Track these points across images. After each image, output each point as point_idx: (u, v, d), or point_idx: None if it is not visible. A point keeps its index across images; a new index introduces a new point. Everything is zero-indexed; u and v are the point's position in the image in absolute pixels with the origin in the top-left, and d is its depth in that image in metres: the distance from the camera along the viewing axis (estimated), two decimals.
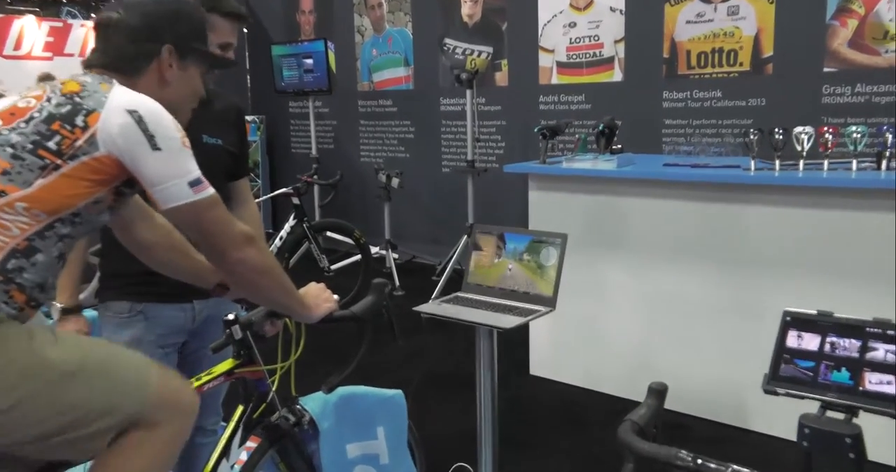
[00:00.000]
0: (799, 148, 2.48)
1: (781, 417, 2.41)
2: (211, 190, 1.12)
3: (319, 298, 1.33)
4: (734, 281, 2.67)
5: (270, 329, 1.41)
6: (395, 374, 3.24)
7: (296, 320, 1.37)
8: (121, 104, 1.09)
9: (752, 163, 2.58)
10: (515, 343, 3.29)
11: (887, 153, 2.34)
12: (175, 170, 1.08)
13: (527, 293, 1.97)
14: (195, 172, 1.10)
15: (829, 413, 0.96)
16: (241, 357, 1.37)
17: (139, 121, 1.07)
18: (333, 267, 4.44)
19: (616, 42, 4.18)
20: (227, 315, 1.35)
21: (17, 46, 5.02)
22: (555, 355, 3.25)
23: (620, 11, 4.17)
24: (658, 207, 2.85)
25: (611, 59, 4.28)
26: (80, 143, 1.06)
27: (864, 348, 0.97)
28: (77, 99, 1.09)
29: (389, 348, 3.27)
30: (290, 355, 1.39)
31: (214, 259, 1.16)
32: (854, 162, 2.41)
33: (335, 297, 1.37)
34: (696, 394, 2.76)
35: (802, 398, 1.00)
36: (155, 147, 1.06)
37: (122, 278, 1.53)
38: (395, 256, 4.86)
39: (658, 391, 1.02)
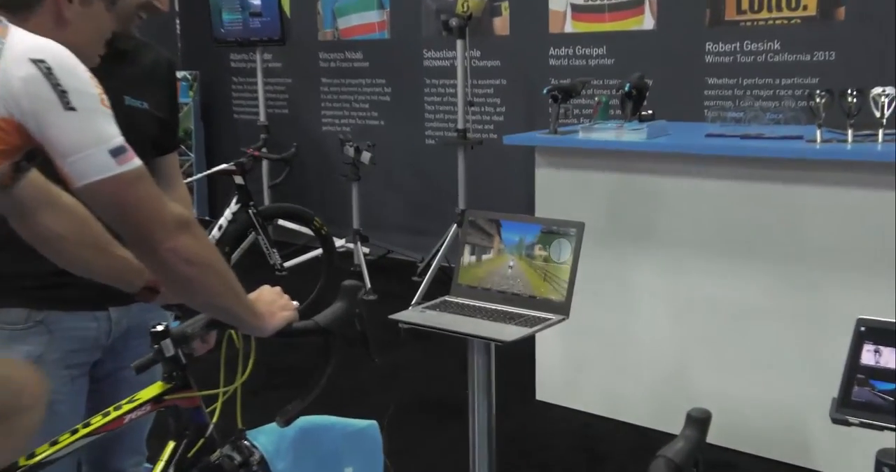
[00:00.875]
0: (878, 114, 2.48)
1: (853, 453, 2.39)
2: (137, 161, 1.10)
3: (274, 304, 1.31)
4: (794, 282, 2.69)
5: (201, 346, 1.41)
6: (368, 400, 3.27)
7: (243, 333, 1.36)
8: (23, 52, 1.05)
9: (819, 133, 2.57)
10: (518, 361, 3.32)
11: None
12: (93, 135, 1.05)
13: (533, 298, 2.02)
14: (118, 137, 1.07)
15: None
16: (173, 380, 1.35)
17: (48, 73, 1.03)
18: (287, 264, 4.43)
19: None
20: (154, 326, 1.32)
21: None
22: (567, 375, 3.28)
23: None
24: (699, 190, 2.87)
25: (640, 2, 4.26)
26: None
27: None
28: None
29: (362, 368, 3.25)
30: (236, 377, 1.38)
31: (139, 250, 1.15)
32: None
33: (294, 303, 1.37)
34: (746, 424, 2.79)
35: (881, 429, 0.99)
36: (68, 106, 1.03)
37: (17, 278, 1.48)
38: (366, 250, 4.88)
39: (699, 421, 1.02)
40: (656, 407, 3.01)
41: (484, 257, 2.09)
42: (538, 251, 2.02)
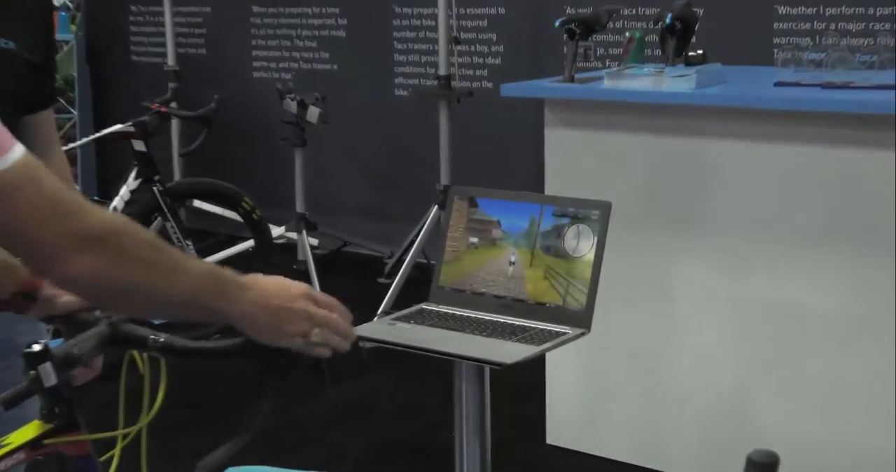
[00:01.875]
0: None
1: None
2: (19, 151, 1.10)
3: (296, 304, 1.31)
4: (893, 285, 2.69)
5: (84, 373, 1.41)
6: (320, 443, 3.27)
7: (153, 353, 1.37)
8: None
9: None
10: (522, 391, 3.32)
11: None
12: None
13: (542, 305, 2.03)
14: None
15: None
16: (55, 419, 1.34)
17: None
18: (207, 260, 4.49)
19: None
20: (28, 345, 1.30)
21: None
22: (588, 410, 3.29)
23: None
24: (764, 158, 2.88)
25: None
26: None
27: None
28: None
29: (313, 402, 3.26)
30: (141, 415, 1.39)
31: (36, 270, 1.17)
32: None
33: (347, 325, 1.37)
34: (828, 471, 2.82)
35: None
36: None
37: None
38: (315, 242, 4.88)
39: (764, 466, 1.02)
40: (706, 451, 3.01)
41: (475, 249, 2.11)
42: (549, 242, 2.03)
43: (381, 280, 4.68)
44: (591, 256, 2.00)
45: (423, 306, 2.10)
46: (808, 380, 2.87)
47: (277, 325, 1.29)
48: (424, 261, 4.45)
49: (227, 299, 1.26)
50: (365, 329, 2.04)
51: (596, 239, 1.99)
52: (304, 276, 4.55)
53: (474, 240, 2.12)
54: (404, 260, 4.53)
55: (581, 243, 2.01)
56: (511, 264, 2.07)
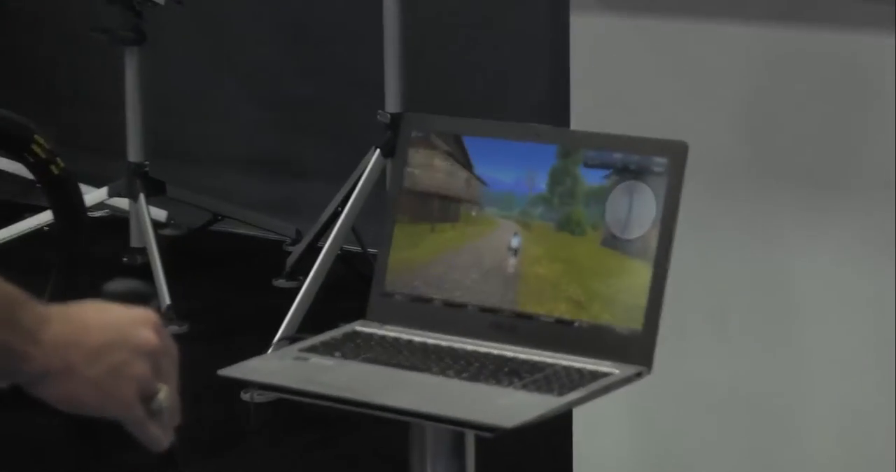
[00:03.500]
0: None
1: None
2: None
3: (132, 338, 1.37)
4: None
5: None
6: None
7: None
8: None
9: None
10: (535, 464, 3.40)
11: None
12: None
13: (565, 323, 2.07)
14: None
15: None
16: None
17: None
18: None
19: None
20: None
21: None
22: None
23: None
24: None
25: None
26: None
27: None
28: None
29: None
30: None
31: None
32: None
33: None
34: None
35: None
36: None
37: None
38: (162, 215, 5.03)
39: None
40: None
41: (447, 227, 2.17)
42: (579, 214, 2.05)
43: (280, 282, 4.76)
44: (652, 237, 2.01)
45: (357, 326, 2.14)
46: None
47: (104, 383, 1.34)
48: (357, 249, 4.53)
49: (18, 334, 1.29)
50: (253, 368, 2.06)
51: (661, 209, 2.00)
52: (142, 271, 4.58)
53: (445, 210, 2.16)
54: (321, 247, 4.61)
55: (634, 216, 2.03)
56: (511, 251, 2.10)
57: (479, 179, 2.14)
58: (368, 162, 4.57)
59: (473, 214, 2.13)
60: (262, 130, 5.44)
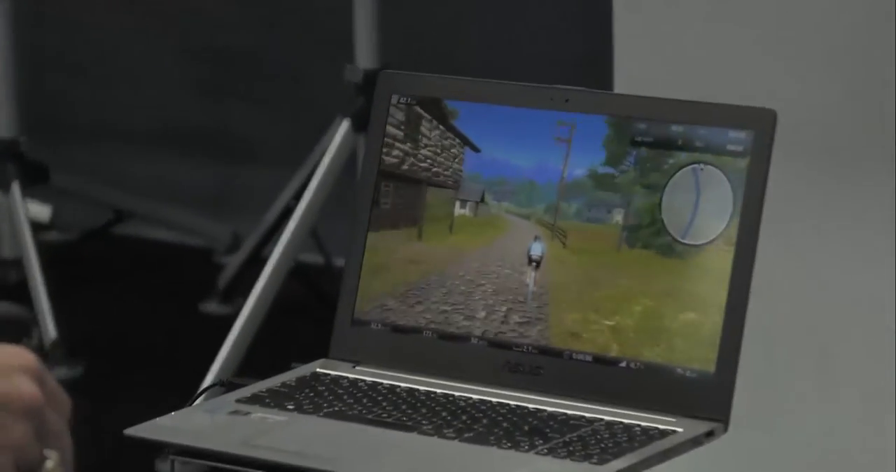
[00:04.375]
0: None
1: None
2: None
3: None
4: None
5: None
6: None
7: None
8: None
9: None
10: None
11: None
12: None
13: (606, 363, 2.04)
14: None
15: None
16: None
17: None
18: None
19: None
20: None
21: None
22: None
23: None
24: None
25: None
26: None
27: None
28: None
29: None
30: None
31: None
32: None
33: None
34: None
35: None
36: None
37: None
38: (43, 213, 5.17)
39: None
40: None
41: (438, 227, 2.17)
42: (622, 211, 2.05)
43: (210, 307, 4.83)
44: (726, 243, 1.99)
45: (318, 368, 2.14)
46: None
47: None
48: (318, 260, 4.62)
49: None
50: (173, 426, 2.02)
51: (741, 203, 1.99)
52: (17, 295, 4.61)
53: (439, 206, 2.17)
54: (266, 256, 4.62)
55: (702, 213, 2.02)
56: (531, 262, 2.08)
57: (485, 162, 2.12)
58: (333, 139, 4.60)
59: (478, 211, 2.12)
60: (186, 96, 5.46)
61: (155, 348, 4.13)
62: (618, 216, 2.04)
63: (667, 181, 2.02)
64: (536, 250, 2.06)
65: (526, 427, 1.95)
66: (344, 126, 4.54)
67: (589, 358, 2.02)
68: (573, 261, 2.06)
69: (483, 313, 2.09)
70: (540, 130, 2.10)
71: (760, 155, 1.98)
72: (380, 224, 2.17)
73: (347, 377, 2.10)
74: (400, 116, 2.15)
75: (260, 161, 5.04)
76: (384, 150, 2.16)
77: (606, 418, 1.96)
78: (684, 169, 2.01)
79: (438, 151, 2.14)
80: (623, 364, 2.00)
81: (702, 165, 2.00)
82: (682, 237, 2.00)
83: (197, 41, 5.50)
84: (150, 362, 4.40)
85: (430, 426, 1.96)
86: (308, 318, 3.20)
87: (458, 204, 2.13)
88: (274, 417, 2.02)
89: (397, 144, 2.16)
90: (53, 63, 5.27)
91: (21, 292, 4.55)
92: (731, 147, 1.99)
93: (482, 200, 2.11)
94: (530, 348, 2.04)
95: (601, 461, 1.86)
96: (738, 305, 1.96)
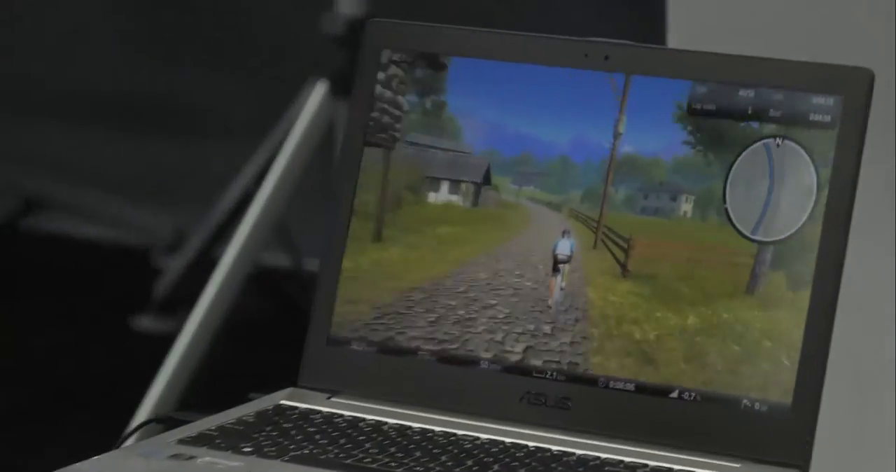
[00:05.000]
0: None
1: None
2: None
3: None
4: None
5: None
6: None
7: None
8: None
9: None
10: None
11: None
12: None
13: (655, 393, 2.04)
14: None
15: None
16: None
17: None
18: None
19: None
20: None
21: None
22: None
23: None
24: None
25: None
26: None
27: None
28: None
29: None
30: None
31: None
32: None
33: None
34: None
35: None
36: None
37: None
38: None
39: None
40: None
41: (440, 219, 2.16)
42: (675, 198, 2.06)
43: (145, 322, 4.87)
44: (808, 239, 2.00)
45: (283, 399, 2.13)
46: None
47: None
48: (285, 262, 4.60)
49: None
50: None
51: (827, 188, 1.99)
52: None
53: (441, 192, 2.14)
54: (216, 257, 4.64)
55: (777, 201, 2.01)
56: (559, 263, 2.08)
57: (504, 136, 2.09)
58: (305, 106, 4.61)
59: (492, 199, 2.08)
60: (117, 55, 5.43)
61: (76, 376, 4.18)
62: (671, 206, 2.02)
63: (733, 161, 2.00)
64: (564, 248, 2.05)
65: None
66: (319, 90, 4.53)
67: (631, 387, 2.01)
68: (612, 262, 2.03)
69: (495, 330, 2.04)
70: (574, 93, 2.07)
71: (852, 126, 1.98)
72: (363, 217, 2.13)
73: (321, 411, 2.08)
74: (392, 76, 2.12)
75: (211, 135, 5.07)
76: (371, 120, 2.12)
77: (652, 462, 1.94)
78: (755, 145, 1.99)
79: (440, 120, 2.12)
80: (674, 395, 1.98)
81: (778, 140, 1.98)
82: (751, 232, 1.99)
83: None
84: (70, 393, 4.39)
85: None
86: (271, 336, 3.18)
87: (466, 189, 2.08)
88: (225, 462, 1.96)
89: (389, 113, 2.11)
90: None
91: None
92: (814, 117, 1.98)
93: (499, 184, 2.08)
94: (556, 374, 2.02)
95: None
96: (822, 320, 1.94)
